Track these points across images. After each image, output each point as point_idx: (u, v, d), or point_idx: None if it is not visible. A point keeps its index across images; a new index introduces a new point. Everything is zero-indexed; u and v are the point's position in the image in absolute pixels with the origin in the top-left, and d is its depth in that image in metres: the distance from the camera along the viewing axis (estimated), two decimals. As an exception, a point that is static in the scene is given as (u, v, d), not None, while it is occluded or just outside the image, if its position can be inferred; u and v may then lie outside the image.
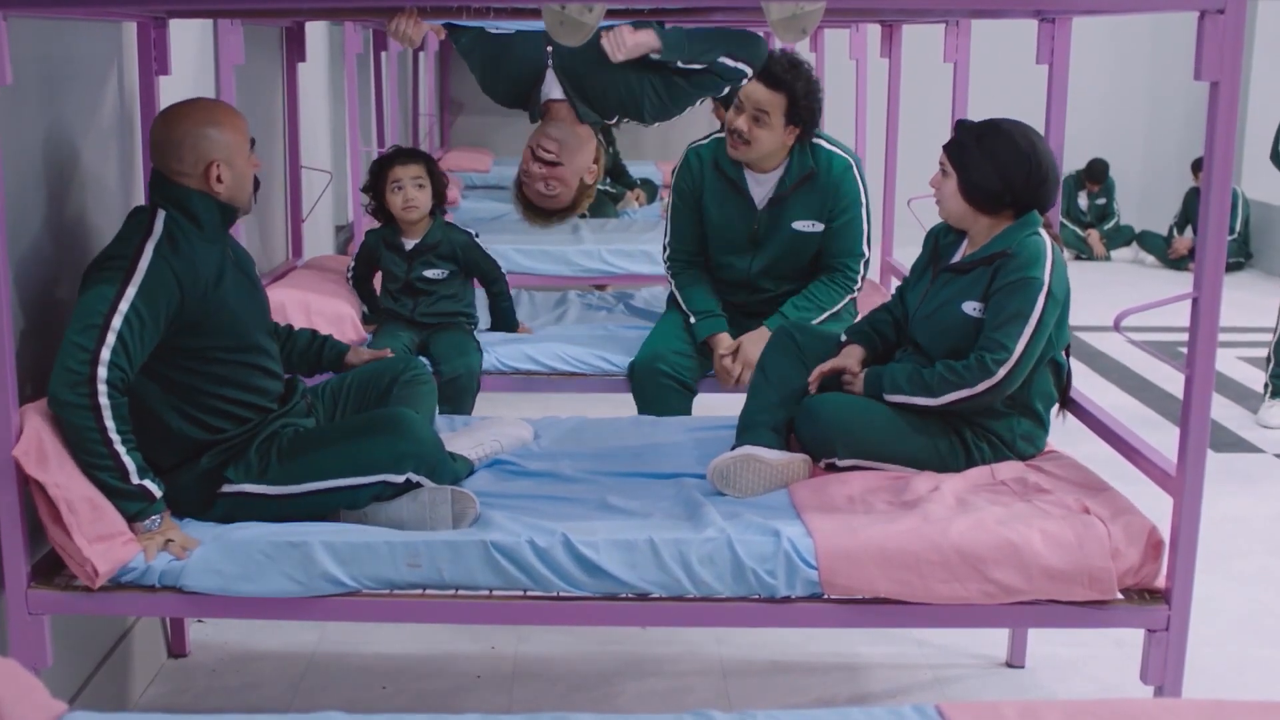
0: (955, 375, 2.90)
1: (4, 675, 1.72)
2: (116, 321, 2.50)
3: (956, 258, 3.06)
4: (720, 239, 3.92)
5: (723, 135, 3.92)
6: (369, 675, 3.26)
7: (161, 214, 2.66)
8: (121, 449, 2.52)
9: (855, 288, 3.89)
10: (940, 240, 3.14)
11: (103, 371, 2.48)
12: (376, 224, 4.16)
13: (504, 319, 4.21)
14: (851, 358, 3.14)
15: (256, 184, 2.82)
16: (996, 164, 2.93)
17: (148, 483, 2.56)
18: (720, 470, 2.89)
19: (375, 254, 4.10)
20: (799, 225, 3.85)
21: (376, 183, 4.03)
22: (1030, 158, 2.93)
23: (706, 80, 3.66)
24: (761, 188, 3.86)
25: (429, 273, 4.01)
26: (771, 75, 3.70)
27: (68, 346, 2.49)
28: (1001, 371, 2.86)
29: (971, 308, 2.96)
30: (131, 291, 2.53)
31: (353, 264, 4.23)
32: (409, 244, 4.03)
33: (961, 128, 3.03)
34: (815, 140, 3.86)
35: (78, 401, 2.47)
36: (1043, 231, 2.95)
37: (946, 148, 3.02)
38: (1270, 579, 3.99)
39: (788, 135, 3.77)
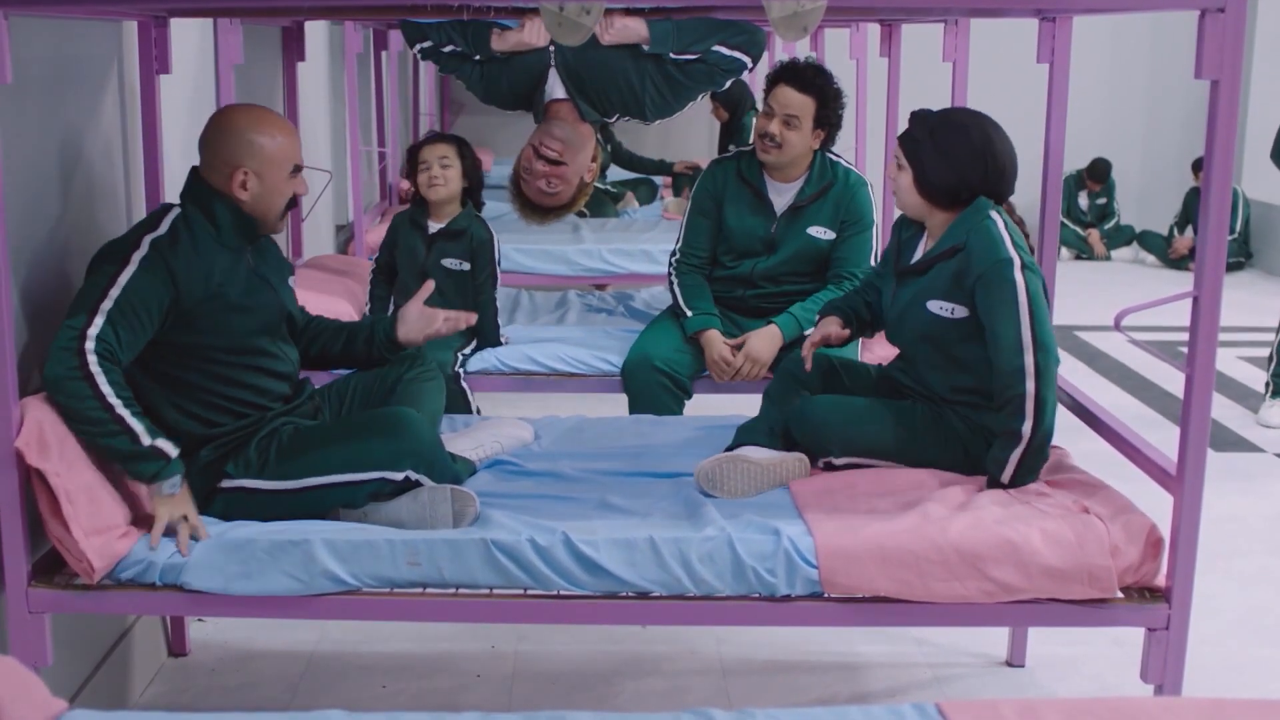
0: (1009, 398, 2.77)
1: (4, 674, 1.72)
2: (105, 305, 2.54)
3: (916, 255, 3.03)
4: (736, 243, 3.96)
5: (745, 149, 4.00)
6: (369, 674, 3.26)
7: (174, 212, 2.70)
8: (125, 412, 2.52)
9: None
10: (901, 235, 3.12)
11: (90, 344, 2.51)
12: (394, 209, 4.15)
13: (482, 333, 3.99)
14: (832, 325, 3.18)
15: (295, 204, 2.82)
16: (951, 161, 2.88)
17: (160, 443, 2.56)
18: (706, 472, 2.88)
19: (397, 234, 4.06)
20: (814, 231, 3.91)
21: (411, 166, 4.05)
22: (985, 153, 2.88)
23: (704, 72, 3.69)
24: (782, 196, 3.92)
25: (447, 262, 3.98)
26: (802, 80, 3.79)
27: (60, 330, 2.54)
28: (1029, 359, 2.75)
29: (938, 306, 2.91)
30: (123, 279, 2.56)
31: (378, 255, 4.17)
32: (433, 226, 4.01)
33: (915, 120, 2.96)
34: (833, 157, 3.94)
35: (69, 374, 2.49)
36: (993, 214, 2.88)
37: (901, 140, 2.97)
38: (1270, 578, 3.99)
39: (814, 139, 3.85)
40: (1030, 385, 2.75)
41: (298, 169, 2.78)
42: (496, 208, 7.09)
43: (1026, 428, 2.76)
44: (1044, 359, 2.77)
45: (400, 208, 4.14)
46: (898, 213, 3.14)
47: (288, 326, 2.94)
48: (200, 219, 2.70)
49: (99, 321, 2.52)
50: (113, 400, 2.51)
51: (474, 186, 4.06)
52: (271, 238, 2.90)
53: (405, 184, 4.17)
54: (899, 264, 3.08)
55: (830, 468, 2.99)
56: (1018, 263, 2.80)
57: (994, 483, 2.84)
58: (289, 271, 2.97)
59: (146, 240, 2.62)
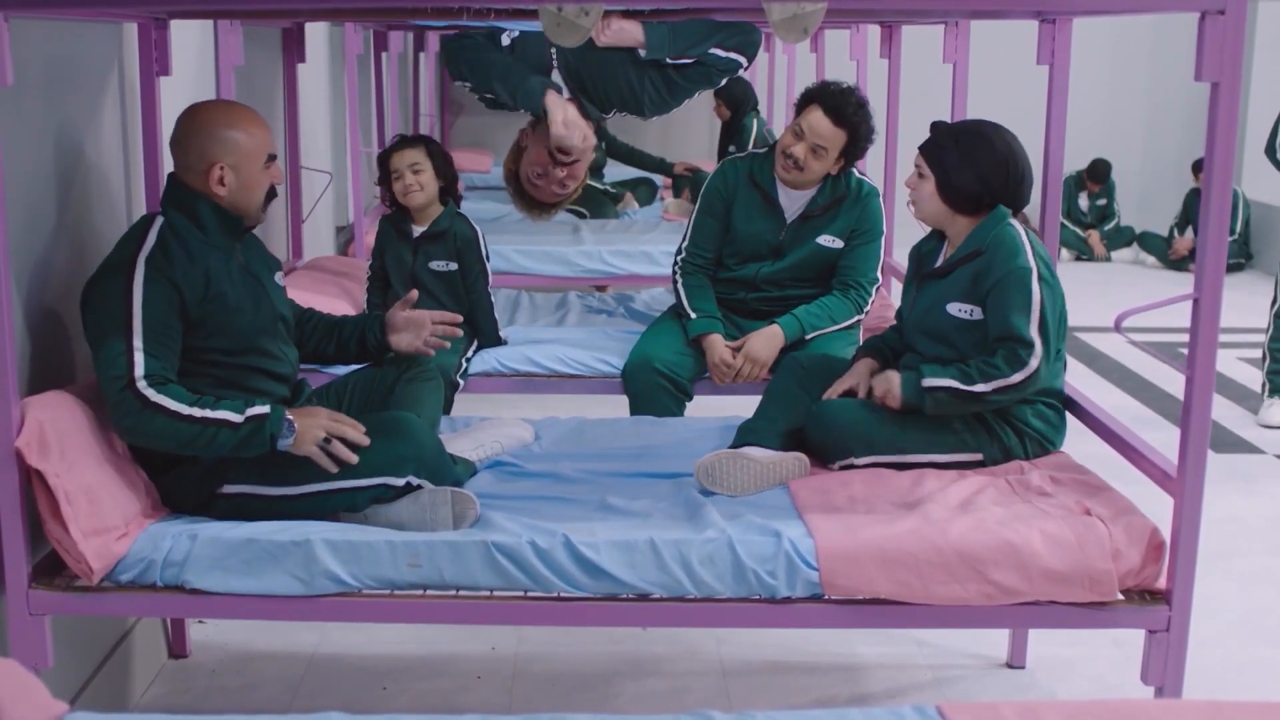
0: (992, 367, 2.89)
1: (5, 676, 1.72)
2: (135, 341, 2.56)
3: (938, 263, 3.09)
4: (743, 247, 3.95)
5: (759, 152, 3.98)
6: (369, 676, 3.26)
7: (159, 222, 2.69)
8: (206, 412, 2.58)
9: (865, 309, 3.93)
10: (922, 251, 3.19)
11: (141, 384, 2.54)
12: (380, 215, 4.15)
13: (481, 330, 3.99)
14: (858, 375, 3.16)
15: (273, 195, 2.82)
16: (975, 167, 2.96)
17: (251, 411, 2.61)
18: (706, 467, 2.89)
19: (384, 242, 4.04)
20: (823, 240, 3.90)
21: (383, 175, 4.02)
22: (1008, 160, 2.98)
23: (700, 74, 3.70)
24: (793, 203, 3.90)
25: (435, 264, 3.96)
26: (839, 113, 3.74)
27: (104, 385, 2.56)
28: (1034, 361, 2.86)
29: (956, 309, 2.99)
30: (137, 308, 2.57)
31: (371, 262, 4.14)
32: (416, 230, 3.99)
33: (938, 130, 3.06)
34: None
35: (140, 419, 2.54)
36: (1013, 222, 2.98)
37: (923, 150, 3.05)
38: (1270, 579, 3.99)
39: (835, 166, 3.83)
40: (1017, 377, 2.87)
41: (272, 158, 2.78)
42: (495, 209, 7.12)
43: (980, 389, 2.89)
44: (1045, 366, 2.87)
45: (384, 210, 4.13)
46: (899, 217, 3.17)
47: (284, 325, 2.93)
48: (185, 223, 2.69)
49: (139, 360, 2.55)
50: (190, 411, 2.56)
51: (449, 183, 4.03)
52: (255, 235, 2.90)
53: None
54: (921, 272, 3.12)
55: (849, 469, 2.99)
56: (1035, 272, 2.88)
57: (912, 380, 2.95)
58: (277, 266, 2.97)
59: (140, 260, 2.61)
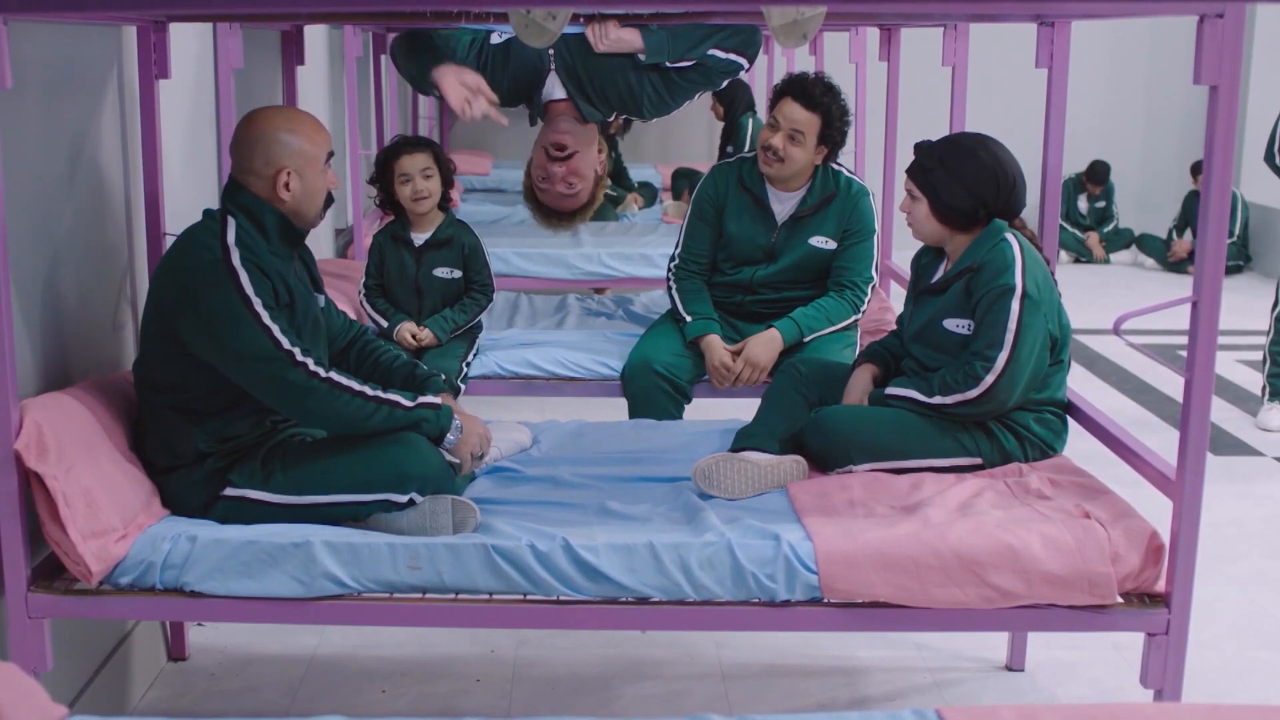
0: (952, 379, 2.94)
1: (4, 679, 1.72)
2: (270, 325, 2.58)
3: (936, 276, 3.10)
4: (736, 251, 3.95)
5: (748, 156, 3.99)
6: (368, 678, 3.26)
7: (232, 225, 2.66)
8: (379, 393, 2.66)
9: (861, 309, 3.92)
10: (921, 262, 3.20)
11: (306, 360, 2.60)
12: (376, 227, 4.13)
13: (446, 319, 3.93)
14: (861, 387, 3.16)
15: (330, 200, 2.82)
16: (964, 183, 2.97)
17: (423, 399, 2.71)
18: (703, 470, 2.89)
19: (382, 253, 3.99)
20: (815, 241, 3.90)
21: (383, 174, 3.95)
22: (995, 170, 2.98)
23: (700, 76, 3.70)
24: (784, 205, 3.90)
25: (439, 272, 3.96)
26: (809, 97, 3.77)
27: (262, 370, 2.58)
28: (989, 378, 2.88)
29: (954, 324, 3.00)
30: (252, 296, 2.58)
31: (364, 279, 4.05)
32: (419, 239, 3.96)
33: (921, 150, 3.06)
34: (834, 166, 3.93)
35: (321, 396, 2.60)
36: (1010, 236, 2.97)
37: (910, 173, 3.06)
38: (1269, 581, 4.00)
39: (817, 155, 3.83)
40: (973, 393, 2.89)
41: (330, 155, 2.78)
42: (495, 211, 7.13)
43: (938, 401, 2.94)
44: (1008, 383, 2.87)
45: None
46: (897, 220, 3.17)
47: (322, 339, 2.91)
48: (251, 228, 2.68)
49: (283, 340, 2.58)
50: (361, 389, 2.65)
51: (448, 189, 4.01)
52: (310, 251, 2.90)
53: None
54: (918, 285, 3.13)
55: (848, 474, 3.00)
56: (1019, 291, 2.88)
57: (876, 394, 3.04)
58: (319, 288, 2.95)
59: (233, 253, 2.59)
